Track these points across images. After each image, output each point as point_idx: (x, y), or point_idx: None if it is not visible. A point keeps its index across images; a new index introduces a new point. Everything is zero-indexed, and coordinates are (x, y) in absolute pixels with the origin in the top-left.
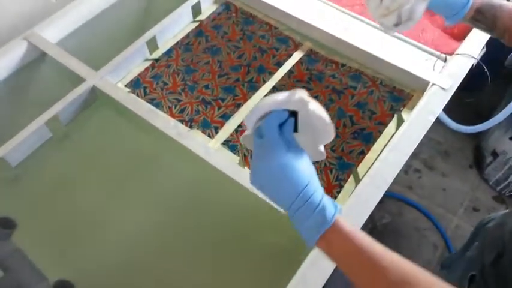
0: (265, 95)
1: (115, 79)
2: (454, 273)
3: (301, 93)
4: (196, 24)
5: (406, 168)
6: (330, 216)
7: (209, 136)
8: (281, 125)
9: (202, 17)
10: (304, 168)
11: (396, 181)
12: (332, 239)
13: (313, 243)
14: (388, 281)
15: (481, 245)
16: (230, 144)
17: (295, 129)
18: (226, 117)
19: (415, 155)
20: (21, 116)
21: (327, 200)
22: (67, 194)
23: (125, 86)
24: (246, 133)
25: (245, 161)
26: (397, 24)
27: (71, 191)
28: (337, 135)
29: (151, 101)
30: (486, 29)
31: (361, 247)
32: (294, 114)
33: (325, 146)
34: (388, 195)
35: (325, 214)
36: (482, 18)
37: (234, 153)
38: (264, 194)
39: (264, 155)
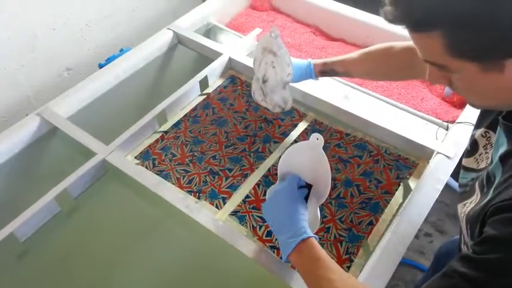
0: (272, 165)
1: (125, 152)
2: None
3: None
4: (204, 97)
5: (417, 233)
6: (306, 232)
7: (217, 207)
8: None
9: (209, 90)
10: (302, 212)
11: (408, 246)
12: (303, 249)
13: (288, 251)
14: None
15: None
16: (238, 215)
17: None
18: (233, 187)
19: (424, 218)
20: (33, 189)
21: (308, 229)
22: (74, 267)
23: (135, 157)
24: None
25: (254, 232)
26: (283, 109)
27: (77, 264)
28: (345, 206)
29: (160, 173)
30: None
31: (323, 259)
32: (309, 186)
33: (334, 216)
34: (400, 262)
35: (302, 231)
36: (327, 75)
37: (242, 224)
38: (268, 219)
39: (280, 191)
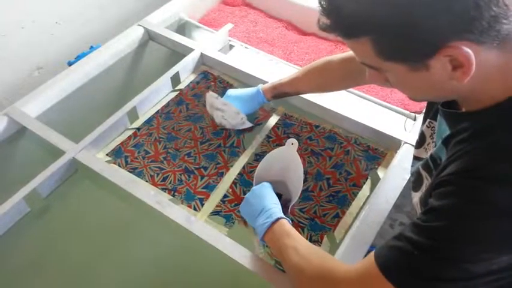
0: (247, 163)
1: (96, 150)
2: None
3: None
4: (176, 93)
5: (392, 222)
6: (278, 215)
7: (194, 209)
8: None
9: (181, 86)
10: (274, 202)
11: (383, 236)
12: (275, 228)
13: (263, 231)
14: (299, 255)
15: None
16: (222, 214)
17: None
18: (210, 187)
19: (399, 208)
20: (2, 191)
21: (280, 212)
22: (45, 268)
23: (107, 154)
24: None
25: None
26: (248, 132)
27: (49, 265)
28: (311, 198)
29: (133, 170)
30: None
31: (292, 233)
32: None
33: (293, 207)
34: None
35: (275, 214)
36: (279, 97)
37: (226, 224)
38: (244, 213)
39: (255, 189)
